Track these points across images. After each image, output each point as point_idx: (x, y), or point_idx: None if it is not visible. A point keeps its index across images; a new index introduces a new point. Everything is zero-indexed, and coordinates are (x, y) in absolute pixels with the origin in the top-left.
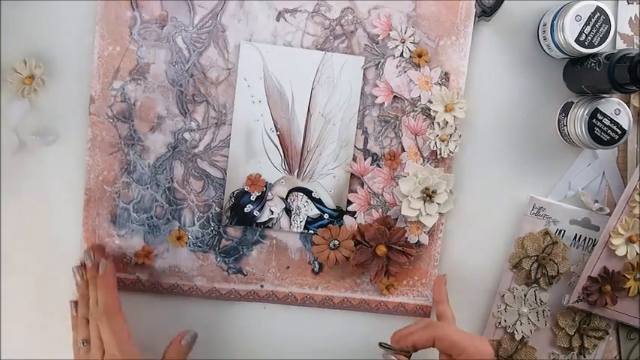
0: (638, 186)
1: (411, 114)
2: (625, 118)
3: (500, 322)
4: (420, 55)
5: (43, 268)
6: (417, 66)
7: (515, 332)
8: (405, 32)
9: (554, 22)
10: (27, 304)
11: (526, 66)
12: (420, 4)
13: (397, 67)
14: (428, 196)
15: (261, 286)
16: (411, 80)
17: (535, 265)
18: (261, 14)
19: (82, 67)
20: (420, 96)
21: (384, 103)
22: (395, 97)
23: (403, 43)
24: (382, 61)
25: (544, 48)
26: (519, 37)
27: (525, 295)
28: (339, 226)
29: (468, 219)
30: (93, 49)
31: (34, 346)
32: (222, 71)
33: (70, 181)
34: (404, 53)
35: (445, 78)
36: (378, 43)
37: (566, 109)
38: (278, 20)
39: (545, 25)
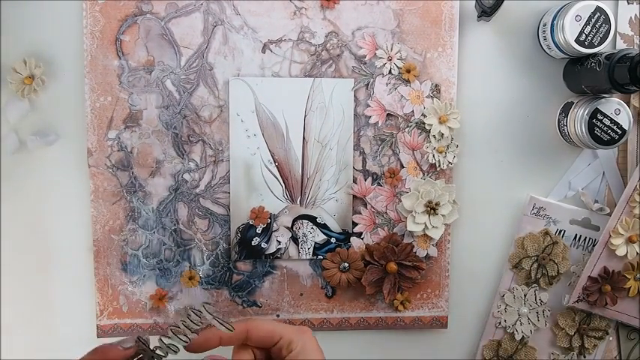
0: (638, 186)
1: (406, 130)
2: (625, 118)
3: (500, 322)
4: (408, 71)
5: (43, 269)
6: (407, 81)
7: (515, 332)
8: (392, 49)
9: (554, 22)
10: (27, 304)
11: (526, 66)
12: (404, 20)
13: (387, 84)
14: (432, 209)
15: (277, 316)
16: (402, 96)
17: (535, 265)
18: (246, 48)
19: (82, 67)
20: (412, 111)
21: (377, 122)
22: (388, 114)
23: (390, 60)
24: (371, 80)
25: (544, 48)
26: (519, 37)
27: (525, 295)
28: (347, 249)
29: (467, 219)
30: (84, 103)
31: (34, 346)
32: (214, 109)
33: (71, 181)
34: (392, 70)
35: (436, 90)
36: (365, 63)
37: (566, 109)
38: (264, 52)
39: (545, 25)
